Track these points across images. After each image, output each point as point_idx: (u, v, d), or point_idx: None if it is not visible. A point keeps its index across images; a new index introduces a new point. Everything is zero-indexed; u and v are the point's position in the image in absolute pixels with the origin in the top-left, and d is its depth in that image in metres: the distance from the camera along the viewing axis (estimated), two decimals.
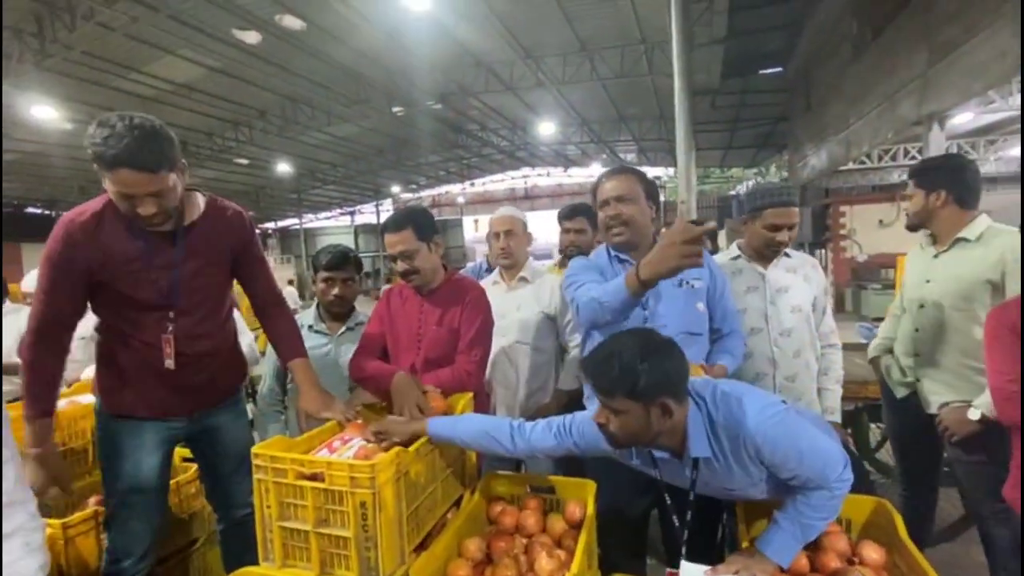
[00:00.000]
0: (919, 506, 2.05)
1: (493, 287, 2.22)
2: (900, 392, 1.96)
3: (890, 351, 2.06)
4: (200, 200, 1.51)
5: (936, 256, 1.84)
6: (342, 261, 2.07)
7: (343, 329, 2.12)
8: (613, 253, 1.67)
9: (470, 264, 2.94)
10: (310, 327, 2.11)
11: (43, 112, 9.63)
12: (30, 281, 2.76)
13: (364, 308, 2.20)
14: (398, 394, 1.44)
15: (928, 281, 1.84)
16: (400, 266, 1.69)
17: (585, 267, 1.66)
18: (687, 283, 1.61)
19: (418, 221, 1.68)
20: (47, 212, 18.65)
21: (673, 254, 1.23)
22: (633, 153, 19.14)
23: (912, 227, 1.91)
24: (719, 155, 18.35)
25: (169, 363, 1.44)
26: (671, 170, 22.75)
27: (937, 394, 1.79)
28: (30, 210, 18.67)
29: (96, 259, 1.35)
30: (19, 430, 1.71)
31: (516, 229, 2.23)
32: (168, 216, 1.37)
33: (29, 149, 12.29)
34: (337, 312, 2.13)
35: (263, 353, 2.27)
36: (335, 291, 2.07)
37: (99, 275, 1.36)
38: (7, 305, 2.91)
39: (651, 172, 24.72)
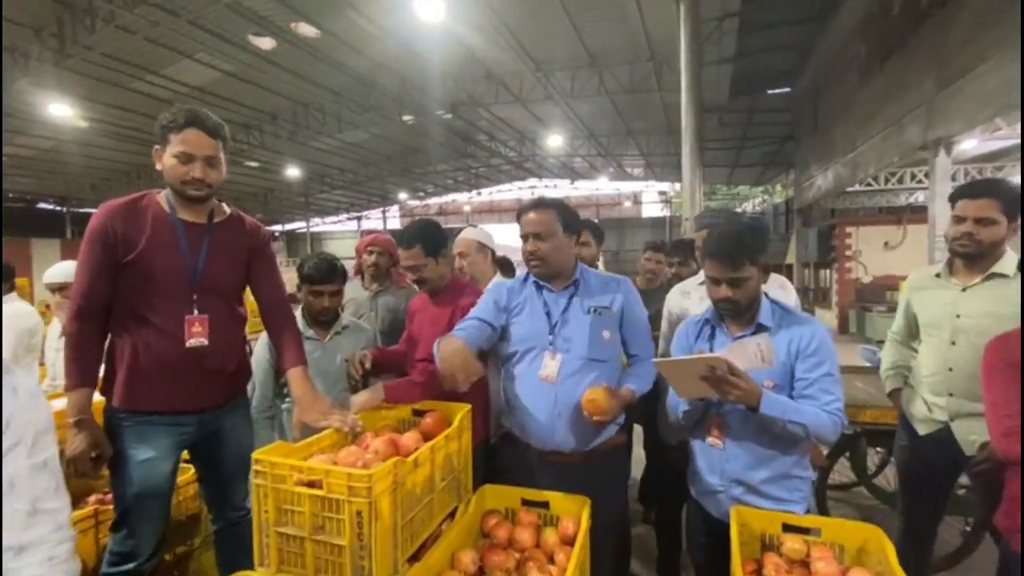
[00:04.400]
0: (919, 538, 2.02)
1: None
2: (924, 429, 1.88)
3: (905, 379, 2.00)
4: (227, 208, 1.69)
5: (965, 290, 1.76)
6: (329, 275, 2.11)
7: (331, 334, 2.19)
8: (531, 279, 1.76)
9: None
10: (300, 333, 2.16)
11: (60, 110, 9.79)
12: (53, 273, 2.79)
13: None
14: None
15: (959, 316, 1.75)
16: (410, 276, 1.96)
17: (483, 302, 1.77)
18: (595, 310, 1.66)
19: (426, 239, 1.90)
20: (58, 208, 18.87)
21: None
22: (640, 167, 19.24)
23: (972, 255, 1.72)
24: (726, 172, 18.44)
25: (191, 342, 1.52)
26: (678, 185, 22.86)
27: (977, 434, 1.71)
28: (42, 205, 18.90)
29: (133, 237, 1.48)
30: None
31: (468, 250, 2.33)
32: (209, 190, 1.55)
33: (45, 146, 12.48)
34: (324, 320, 2.19)
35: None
36: (323, 303, 2.12)
37: (133, 254, 1.48)
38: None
39: (658, 187, 24.95)
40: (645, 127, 14.10)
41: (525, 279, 1.78)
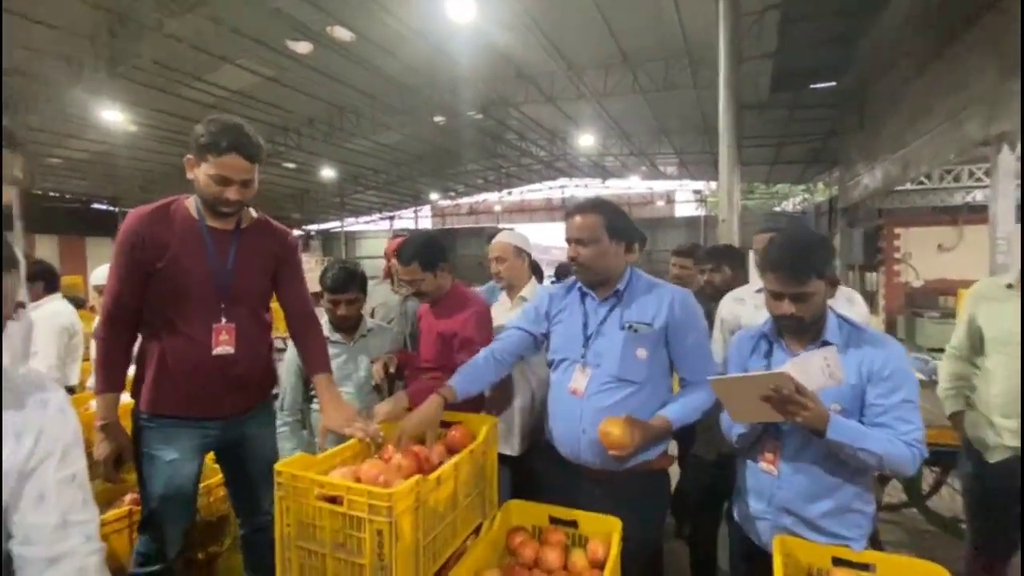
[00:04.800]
0: (991, 573, 1.85)
1: (499, 306, 2.32)
2: (993, 457, 1.73)
3: (967, 400, 1.84)
4: (253, 212, 1.67)
5: None
6: (345, 285, 2.13)
7: (357, 337, 2.23)
8: (577, 284, 1.68)
9: (488, 284, 2.90)
10: (327, 339, 2.17)
11: (111, 115, 10.27)
12: (100, 275, 2.87)
13: None
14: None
15: None
16: (410, 288, 2.12)
17: (525, 311, 1.77)
18: (631, 326, 1.54)
19: (423, 256, 2.00)
20: (111, 208, 19.85)
21: None
22: (674, 166, 18.82)
23: None
24: (765, 171, 17.81)
25: (218, 350, 1.52)
26: (713, 183, 22.28)
27: None
28: (96, 206, 19.92)
29: (162, 244, 1.48)
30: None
31: (505, 255, 2.28)
32: (241, 208, 1.55)
33: (98, 149, 13.14)
34: (347, 327, 2.22)
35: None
36: (340, 311, 2.16)
37: (162, 261, 1.48)
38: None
39: (692, 185, 24.33)
40: (679, 125, 13.74)
41: (572, 285, 1.71)
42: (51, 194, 17.64)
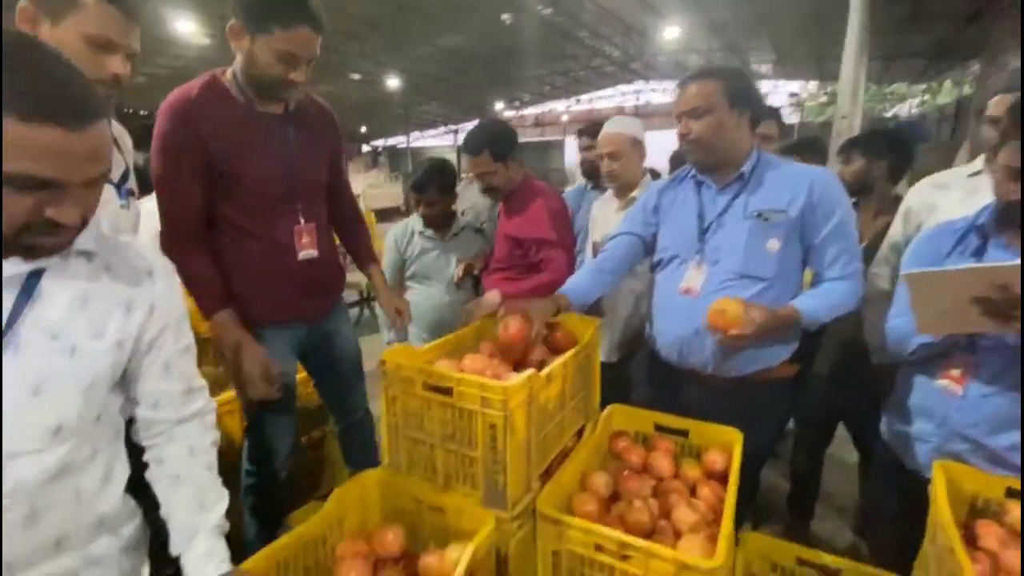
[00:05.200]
0: None
1: (605, 206, 2.06)
2: None
3: None
4: None
5: None
6: (424, 186, 2.08)
7: (449, 236, 2.19)
8: (691, 173, 1.45)
9: (571, 187, 2.66)
10: (421, 233, 2.20)
11: (185, 27, 10.35)
12: None
13: None
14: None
15: None
16: (480, 183, 1.93)
17: (632, 212, 1.59)
18: (760, 214, 1.30)
19: (494, 143, 1.83)
20: None
21: None
22: (769, 64, 16.64)
23: None
24: (878, 67, 15.32)
25: (303, 254, 1.43)
26: (812, 84, 19.68)
27: None
28: None
29: (209, 132, 1.26)
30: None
31: (621, 148, 1.90)
32: (298, 91, 1.35)
33: (178, 65, 13.47)
34: (436, 225, 2.18)
35: None
36: (422, 211, 2.14)
37: (218, 160, 1.28)
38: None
39: (787, 88, 21.58)
40: (780, 13, 11.87)
41: (684, 174, 1.49)
42: (141, 113, 18.63)
